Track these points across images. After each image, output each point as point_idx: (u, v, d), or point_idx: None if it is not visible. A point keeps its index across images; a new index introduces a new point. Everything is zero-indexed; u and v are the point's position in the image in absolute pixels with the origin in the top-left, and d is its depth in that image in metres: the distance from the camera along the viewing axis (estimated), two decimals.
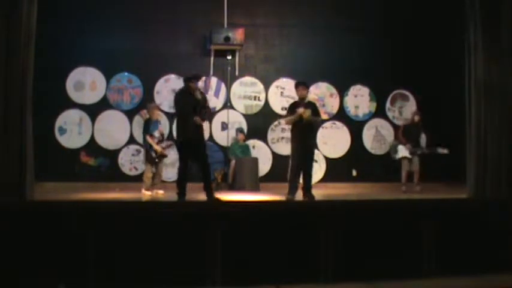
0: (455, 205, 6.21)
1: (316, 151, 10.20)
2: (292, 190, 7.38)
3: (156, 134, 8.59)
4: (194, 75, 7.21)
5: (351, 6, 10.33)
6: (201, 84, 8.12)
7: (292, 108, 7.55)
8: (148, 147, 8.52)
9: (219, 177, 9.49)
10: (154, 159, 8.45)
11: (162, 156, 8.56)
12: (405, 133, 9.47)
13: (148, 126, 8.62)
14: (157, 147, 8.46)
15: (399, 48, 10.49)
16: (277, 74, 10.39)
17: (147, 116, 8.91)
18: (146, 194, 8.23)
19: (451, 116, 9.31)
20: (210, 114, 7.27)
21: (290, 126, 7.62)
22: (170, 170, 9.20)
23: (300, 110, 7.30)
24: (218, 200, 6.69)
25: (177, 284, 5.05)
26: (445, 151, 9.02)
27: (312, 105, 7.63)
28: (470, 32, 6.81)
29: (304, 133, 7.38)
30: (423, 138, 9.56)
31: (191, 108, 6.82)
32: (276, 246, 5.37)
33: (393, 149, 9.53)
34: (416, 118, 9.55)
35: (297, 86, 7.74)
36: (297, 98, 7.72)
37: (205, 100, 7.13)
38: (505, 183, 6.49)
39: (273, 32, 10.51)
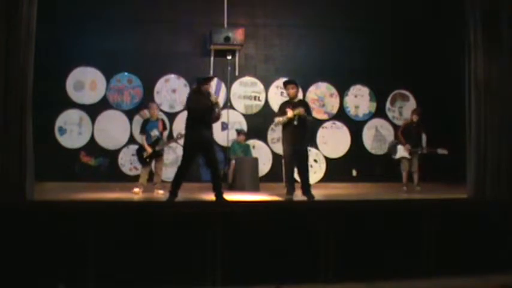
0: (455, 205, 6.21)
1: (316, 151, 10.30)
2: (290, 190, 7.40)
3: (155, 132, 8.57)
4: (208, 78, 7.13)
5: (351, 6, 10.33)
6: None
7: (282, 108, 7.50)
8: (140, 147, 8.61)
9: None
10: (145, 159, 8.48)
11: (153, 156, 8.52)
12: (405, 133, 9.47)
13: (144, 126, 8.65)
14: (148, 148, 8.45)
15: (399, 48, 10.49)
16: (277, 74, 10.38)
17: (147, 116, 8.91)
18: (135, 191, 8.25)
19: (451, 116, 9.31)
20: (218, 115, 7.17)
21: (281, 127, 7.58)
22: (170, 170, 9.19)
23: (289, 113, 7.26)
24: (227, 201, 6.62)
25: (177, 284, 5.06)
26: (445, 152, 9.02)
27: (303, 104, 7.60)
28: (470, 32, 6.80)
29: (294, 134, 7.33)
30: (424, 138, 9.55)
31: (202, 110, 6.73)
32: (276, 246, 5.37)
33: (392, 148, 9.51)
34: (415, 117, 9.54)
35: (285, 85, 7.70)
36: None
37: (217, 103, 6.99)
38: (505, 183, 6.48)
39: (273, 32, 10.51)
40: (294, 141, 7.33)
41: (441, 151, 9.03)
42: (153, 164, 8.68)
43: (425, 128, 9.55)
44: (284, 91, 8.07)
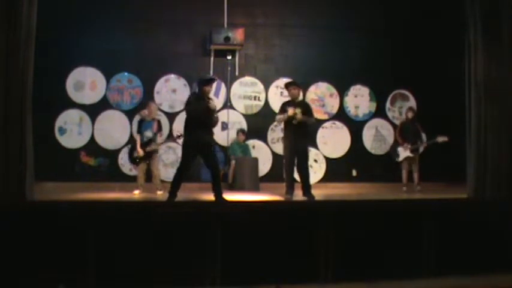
0: (455, 205, 6.20)
1: (316, 151, 10.31)
2: (289, 190, 7.46)
3: (148, 133, 8.55)
4: (210, 79, 7.11)
5: (351, 6, 10.34)
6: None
7: (283, 107, 7.63)
8: (132, 147, 8.63)
9: None
10: (134, 159, 8.49)
11: (144, 158, 8.47)
12: (402, 132, 9.49)
13: (140, 126, 8.64)
14: (140, 150, 8.43)
15: (399, 48, 10.50)
16: (277, 74, 10.40)
17: (143, 115, 8.89)
18: (135, 194, 8.25)
19: (451, 116, 9.31)
20: (215, 123, 7.18)
21: (283, 126, 7.68)
22: (170, 170, 9.20)
23: (290, 111, 7.37)
24: (227, 201, 6.62)
25: (177, 284, 5.05)
26: (445, 139, 8.97)
27: (303, 105, 7.69)
28: (470, 32, 6.81)
29: (294, 133, 7.43)
30: (423, 135, 9.54)
31: (201, 113, 6.72)
32: (276, 246, 5.36)
33: (394, 153, 9.55)
34: (410, 115, 9.57)
35: (287, 86, 7.87)
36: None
37: (215, 109, 7.02)
38: (505, 183, 6.48)
39: (273, 32, 10.51)
40: (294, 140, 7.40)
41: (441, 139, 9.01)
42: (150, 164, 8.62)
43: (421, 125, 9.54)
44: (284, 91, 8.14)
